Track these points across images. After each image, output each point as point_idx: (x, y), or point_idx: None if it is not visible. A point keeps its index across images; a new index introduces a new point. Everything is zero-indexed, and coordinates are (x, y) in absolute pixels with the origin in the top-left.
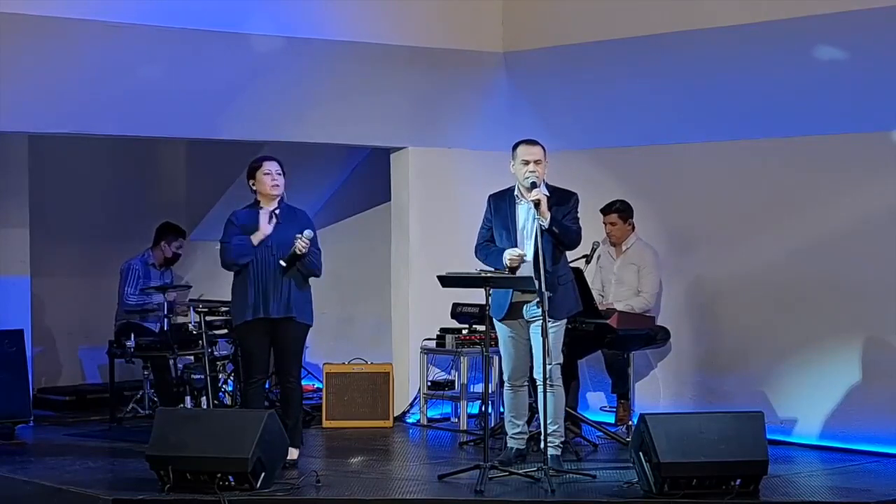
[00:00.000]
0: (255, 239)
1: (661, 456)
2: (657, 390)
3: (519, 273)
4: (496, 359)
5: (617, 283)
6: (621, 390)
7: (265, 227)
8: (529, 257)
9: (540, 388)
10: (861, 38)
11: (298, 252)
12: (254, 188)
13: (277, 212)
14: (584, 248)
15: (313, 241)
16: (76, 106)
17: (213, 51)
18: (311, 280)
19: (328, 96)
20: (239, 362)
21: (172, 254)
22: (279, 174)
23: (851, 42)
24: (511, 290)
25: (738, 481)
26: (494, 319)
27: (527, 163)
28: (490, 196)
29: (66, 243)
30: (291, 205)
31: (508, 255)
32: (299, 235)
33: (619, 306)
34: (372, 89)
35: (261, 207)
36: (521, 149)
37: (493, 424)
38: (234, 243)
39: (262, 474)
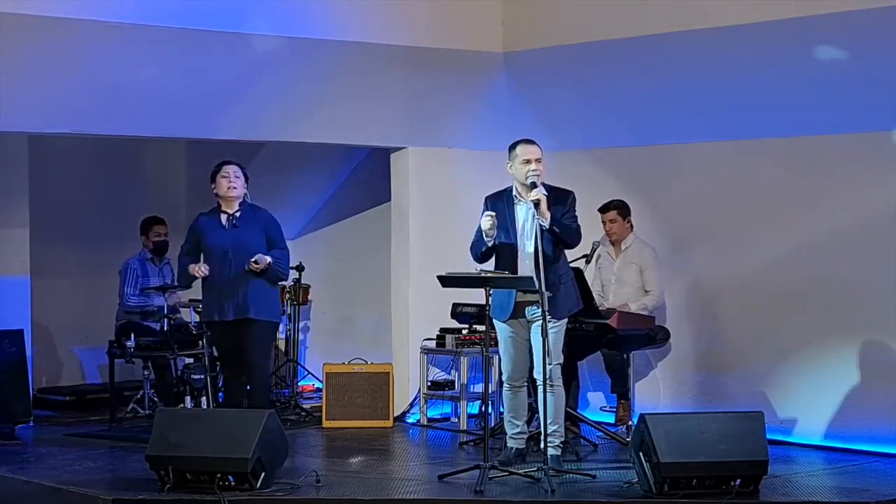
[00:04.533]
0: (190, 270)
1: (661, 456)
2: (657, 390)
3: (520, 273)
4: (496, 359)
5: (617, 283)
6: (621, 390)
7: (196, 272)
8: (530, 258)
9: (540, 389)
10: (861, 38)
11: (255, 270)
12: (214, 191)
13: (237, 215)
14: (583, 247)
15: (279, 242)
16: (76, 106)
17: (213, 51)
18: (313, 279)
19: (328, 96)
20: None
21: (154, 243)
22: (237, 177)
23: (851, 42)
24: (514, 291)
25: (738, 481)
26: (495, 320)
27: (528, 161)
28: (487, 197)
29: (66, 243)
30: (255, 204)
31: (483, 218)
32: (253, 260)
33: (633, 307)
34: (372, 89)
35: (222, 211)
36: (520, 148)
37: (493, 424)
38: (180, 266)
39: (262, 474)
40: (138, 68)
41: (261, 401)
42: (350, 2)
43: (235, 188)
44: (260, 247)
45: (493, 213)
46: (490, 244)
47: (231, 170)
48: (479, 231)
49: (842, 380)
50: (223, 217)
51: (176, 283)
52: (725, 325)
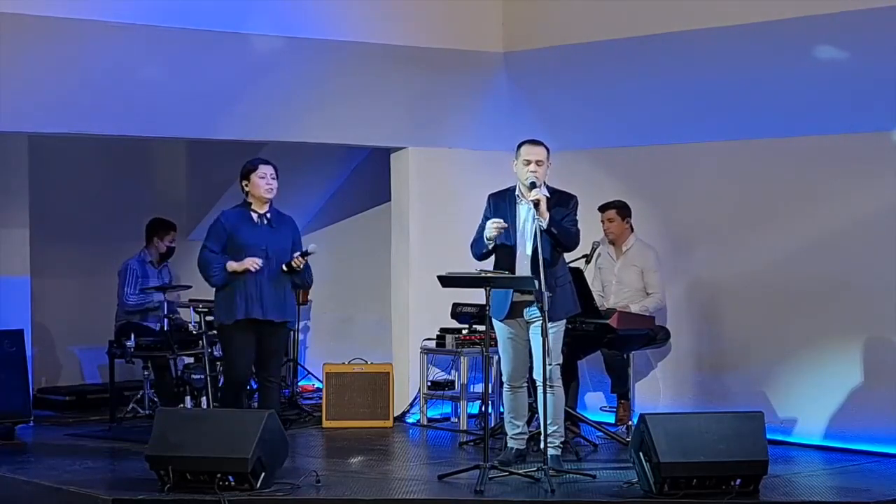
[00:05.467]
0: (230, 267)
1: (661, 456)
2: (657, 390)
3: (518, 273)
4: (496, 359)
5: (618, 285)
6: (621, 390)
7: (249, 265)
8: (528, 259)
9: (540, 389)
10: (861, 38)
11: (296, 267)
12: (246, 189)
13: (269, 215)
14: (584, 248)
15: (301, 249)
16: (76, 106)
17: (213, 51)
18: (312, 279)
19: (328, 96)
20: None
21: (166, 248)
22: (274, 178)
23: (851, 42)
24: (511, 291)
25: (738, 481)
26: (494, 320)
27: (528, 163)
28: (490, 195)
29: (66, 243)
30: (279, 209)
31: (489, 224)
32: (306, 250)
33: (634, 308)
34: (372, 89)
35: (252, 210)
36: (524, 148)
37: (493, 424)
38: (216, 265)
39: (262, 474)
40: (138, 68)
41: (276, 404)
42: (350, 2)
43: (272, 190)
44: (291, 249)
45: (505, 225)
46: (490, 247)
47: (269, 171)
48: (481, 229)
49: (842, 380)
50: (254, 215)
51: (180, 285)
52: (725, 325)
